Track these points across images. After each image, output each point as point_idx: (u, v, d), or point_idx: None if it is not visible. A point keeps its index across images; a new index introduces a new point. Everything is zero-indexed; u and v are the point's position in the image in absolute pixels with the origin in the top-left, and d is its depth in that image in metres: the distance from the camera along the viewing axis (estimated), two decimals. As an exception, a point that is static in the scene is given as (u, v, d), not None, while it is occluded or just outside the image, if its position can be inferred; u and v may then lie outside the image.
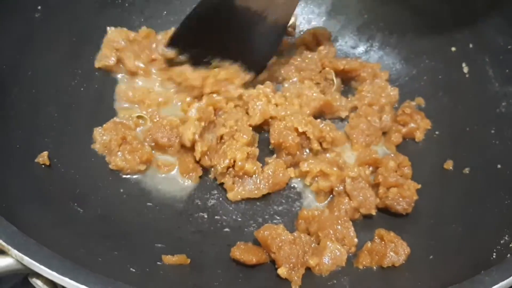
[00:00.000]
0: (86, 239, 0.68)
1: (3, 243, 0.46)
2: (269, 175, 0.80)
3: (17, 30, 0.81)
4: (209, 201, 0.81)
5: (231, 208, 0.81)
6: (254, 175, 0.80)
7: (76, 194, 0.76)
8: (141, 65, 0.92)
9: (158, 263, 0.70)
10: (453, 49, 0.93)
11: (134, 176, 0.82)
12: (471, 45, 0.90)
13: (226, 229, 0.79)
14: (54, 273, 0.44)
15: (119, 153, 0.82)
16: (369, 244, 0.74)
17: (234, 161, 0.79)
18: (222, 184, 0.82)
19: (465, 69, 0.91)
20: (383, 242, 0.73)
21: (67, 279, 0.44)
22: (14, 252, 0.45)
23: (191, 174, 0.82)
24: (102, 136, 0.84)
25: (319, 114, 0.89)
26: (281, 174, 0.81)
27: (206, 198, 0.82)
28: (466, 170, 0.82)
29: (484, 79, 0.86)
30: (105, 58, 0.91)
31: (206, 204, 0.81)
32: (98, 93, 0.90)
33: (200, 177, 0.83)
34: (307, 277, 0.71)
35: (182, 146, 0.82)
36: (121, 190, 0.81)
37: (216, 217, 0.80)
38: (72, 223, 0.71)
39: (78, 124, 0.85)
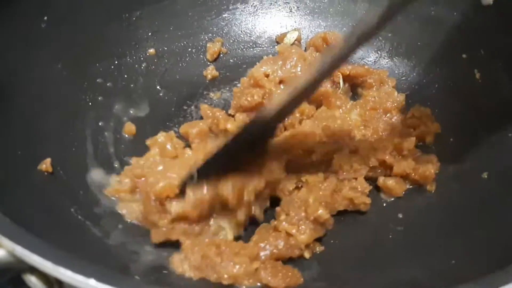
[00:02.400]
0: (88, 246, 0.65)
1: (-5, 233, 0.43)
2: None
3: (24, 38, 0.81)
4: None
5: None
6: None
7: (79, 202, 0.74)
8: None
9: (164, 271, 0.67)
10: (464, 56, 0.91)
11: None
12: (482, 52, 0.89)
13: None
14: (48, 263, 0.41)
15: None
16: None
17: None
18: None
19: (477, 75, 0.89)
20: None
21: (61, 269, 0.40)
22: (6, 242, 0.42)
23: None
24: None
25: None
26: None
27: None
28: (485, 175, 0.78)
29: (498, 83, 0.84)
30: None
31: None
32: (102, 103, 0.89)
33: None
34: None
35: None
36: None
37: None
38: (72, 229, 0.68)
39: (81, 132, 0.83)
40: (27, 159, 0.73)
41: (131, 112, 0.92)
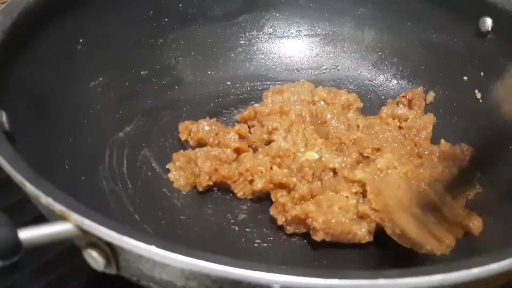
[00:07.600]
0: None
1: (64, 209, 0.48)
2: None
3: (61, 58, 0.88)
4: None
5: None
6: None
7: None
8: None
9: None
10: (465, 78, 0.99)
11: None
12: (482, 74, 0.96)
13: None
14: (114, 233, 0.46)
15: None
16: None
17: None
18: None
19: (478, 95, 0.96)
20: None
21: (125, 238, 0.45)
22: (75, 216, 0.47)
23: None
24: None
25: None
26: None
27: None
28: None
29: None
30: None
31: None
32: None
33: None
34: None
35: None
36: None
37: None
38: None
39: (112, 144, 0.90)
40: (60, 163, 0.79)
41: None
